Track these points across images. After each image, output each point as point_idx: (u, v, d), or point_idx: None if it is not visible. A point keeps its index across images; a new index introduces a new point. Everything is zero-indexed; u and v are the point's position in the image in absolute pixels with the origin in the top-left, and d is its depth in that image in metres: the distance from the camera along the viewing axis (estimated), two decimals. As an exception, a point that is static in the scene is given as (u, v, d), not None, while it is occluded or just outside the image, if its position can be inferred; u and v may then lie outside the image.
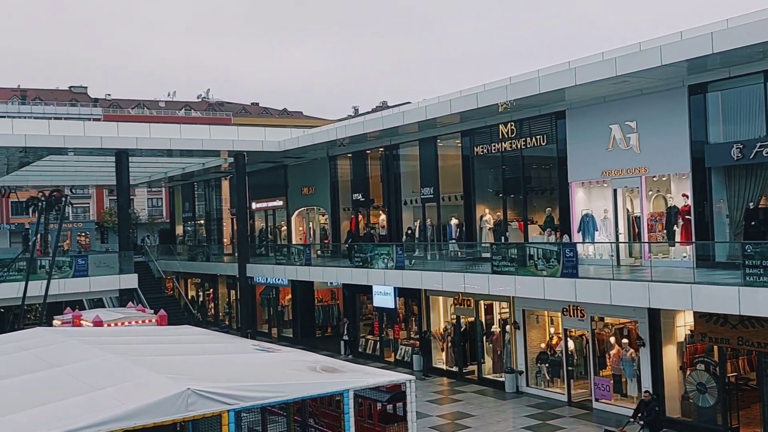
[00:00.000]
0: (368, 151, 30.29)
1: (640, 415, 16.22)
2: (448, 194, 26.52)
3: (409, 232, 27.80)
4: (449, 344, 24.78)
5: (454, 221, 25.95)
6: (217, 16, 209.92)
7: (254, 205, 38.32)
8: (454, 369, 24.29)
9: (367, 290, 27.55)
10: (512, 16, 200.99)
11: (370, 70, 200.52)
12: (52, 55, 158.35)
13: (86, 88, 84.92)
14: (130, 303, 25.34)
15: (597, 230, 21.12)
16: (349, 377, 11.55)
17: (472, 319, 23.74)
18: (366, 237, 29.07)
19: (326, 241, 33.43)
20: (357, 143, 29.76)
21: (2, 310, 26.33)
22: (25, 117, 61.35)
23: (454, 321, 24.46)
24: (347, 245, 28.14)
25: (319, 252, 31.94)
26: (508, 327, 22.31)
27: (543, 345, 21.68)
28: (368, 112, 53.90)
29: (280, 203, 37.19)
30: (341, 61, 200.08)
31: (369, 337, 28.83)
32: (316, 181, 34.14)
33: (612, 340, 19.61)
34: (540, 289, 18.79)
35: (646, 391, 17.02)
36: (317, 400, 13.12)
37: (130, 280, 28.22)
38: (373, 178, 30.52)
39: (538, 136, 22.66)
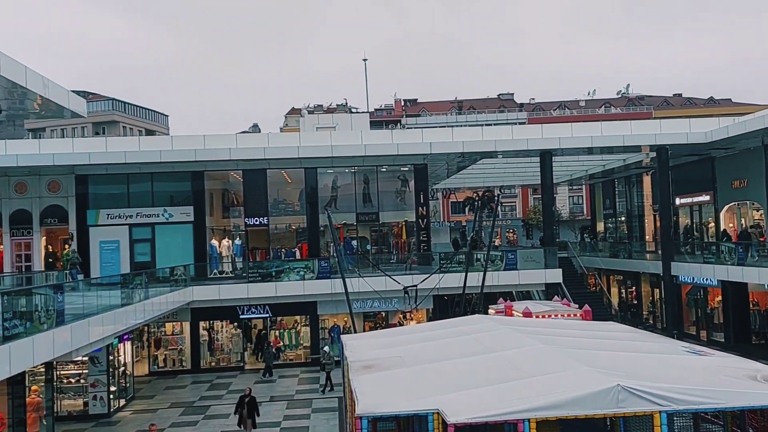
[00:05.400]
0: (817, 137, 26.51)
1: None
2: None
3: None
4: None
5: None
6: (608, 14, 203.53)
7: (678, 201, 36.71)
8: None
9: (818, 296, 24.16)
10: None
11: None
12: (485, 67, 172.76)
13: (512, 94, 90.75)
14: (556, 297, 26.44)
15: None
16: (798, 391, 10.41)
17: None
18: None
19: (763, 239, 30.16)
20: (802, 128, 26.27)
21: (446, 297, 29.85)
22: (461, 126, 68.24)
23: None
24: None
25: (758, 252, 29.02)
26: None
27: None
28: (816, 91, 46.73)
29: (706, 198, 34.95)
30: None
31: (820, 349, 25.25)
32: (748, 173, 31.23)
33: None
34: None
35: None
36: (758, 412, 12.09)
37: (555, 275, 29.59)
38: (824, 167, 26.62)
39: None
